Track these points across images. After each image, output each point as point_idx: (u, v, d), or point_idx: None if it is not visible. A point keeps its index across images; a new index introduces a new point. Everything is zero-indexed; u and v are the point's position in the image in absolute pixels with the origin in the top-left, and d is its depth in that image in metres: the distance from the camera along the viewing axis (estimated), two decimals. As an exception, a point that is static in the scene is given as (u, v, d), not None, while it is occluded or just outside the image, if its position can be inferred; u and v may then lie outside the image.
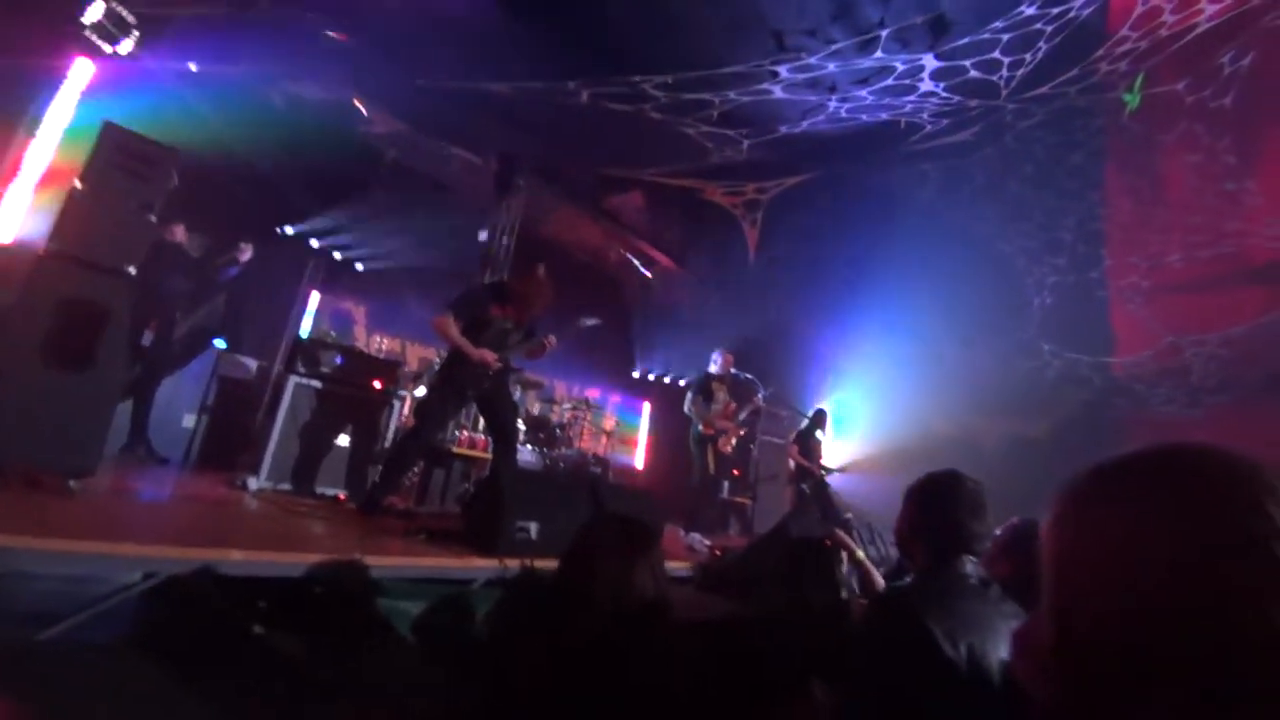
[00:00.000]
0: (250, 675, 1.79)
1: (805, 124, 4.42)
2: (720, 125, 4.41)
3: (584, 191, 6.41)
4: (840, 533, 2.76)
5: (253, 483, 3.93)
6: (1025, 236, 6.05)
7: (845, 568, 2.58)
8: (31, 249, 2.88)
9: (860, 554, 2.64)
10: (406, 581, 2.61)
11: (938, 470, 1.68)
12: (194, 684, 1.57)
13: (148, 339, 4.34)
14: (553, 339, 3.74)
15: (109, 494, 2.89)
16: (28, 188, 3.50)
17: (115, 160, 2.60)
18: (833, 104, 4.18)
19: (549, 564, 2.97)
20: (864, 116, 4.38)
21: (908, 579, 1.81)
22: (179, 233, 4.64)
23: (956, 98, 4.27)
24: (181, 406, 4.99)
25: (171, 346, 4.56)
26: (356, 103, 5.74)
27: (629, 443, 9.13)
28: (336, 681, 1.94)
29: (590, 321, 4.01)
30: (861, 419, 7.95)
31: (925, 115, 4.52)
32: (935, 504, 1.61)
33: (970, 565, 1.53)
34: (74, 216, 2.55)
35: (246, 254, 4.84)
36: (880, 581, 2.55)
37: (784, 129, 4.49)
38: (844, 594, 2.48)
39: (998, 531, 2.11)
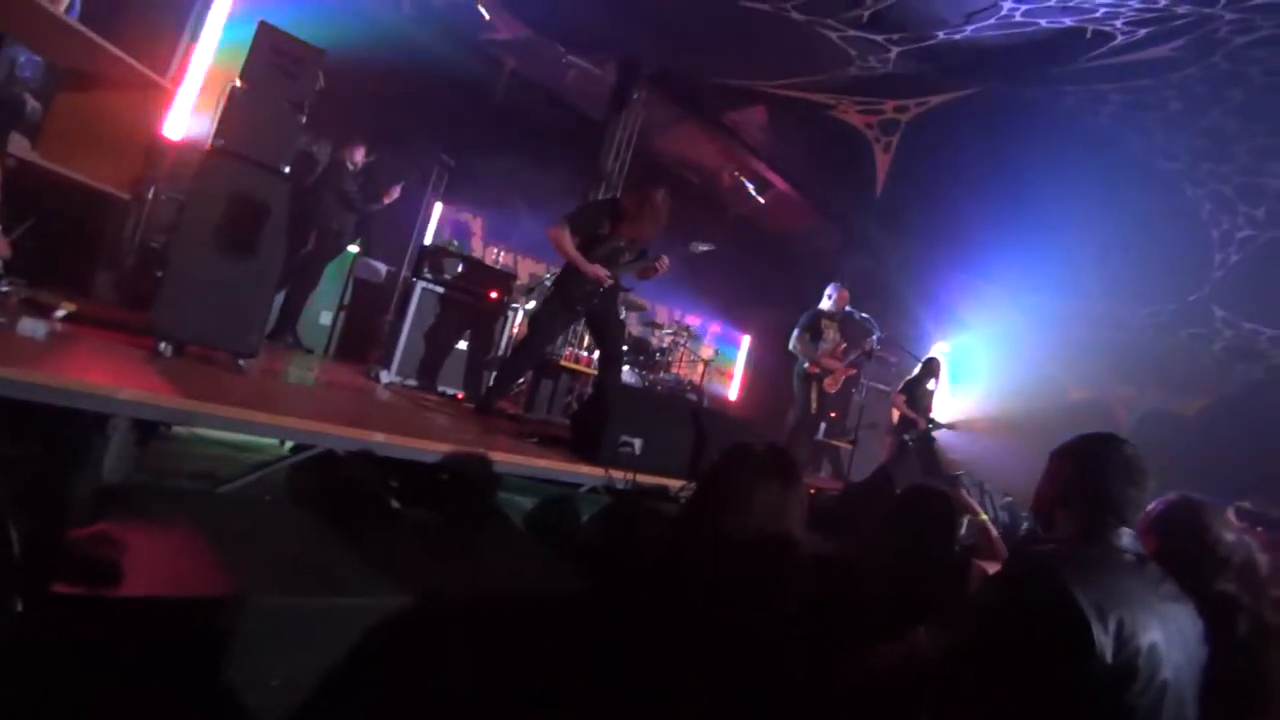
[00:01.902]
0: (392, 539, 1.99)
1: (970, 29, 3.85)
2: (870, 28, 3.94)
3: (704, 105, 6.08)
4: (963, 491, 2.62)
5: (384, 376, 4.27)
6: (1220, 180, 5.11)
7: (963, 529, 2.45)
8: (199, 146, 3.11)
9: (984, 516, 2.50)
10: (521, 479, 2.78)
11: (1093, 432, 1.51)
12: (347, 540, 1.76)
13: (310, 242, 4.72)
14: (665, 261, 3.67)
15: (269, 374, 3.23)
16: (193, 92, 3.77)
17: (270, 60, 2.72)
18: (1008, 3, 3.59)
19: (651, 479, 3.08)
20: (1043, 21, 3.74)
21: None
22: (358, 154, 4.94)
23: (1163, 0, 3.55)
24: (319, 304, 5.45)
25: (327, 253, 4.94)
26: (480, 6, 5.67)
27: (725, 373, 9.07)
28: (461, 554, 2.11)
29: (703, 247, 3.90)
30: (981, 374, 7.37)
31: (1119, 23, 3.80)
32: (1093, 467, 1.44)
33: (1128, 538, 1.38)
34: (235, 115, 2.72)
35: (394, 195, 5.13)
36: (1003, 547, 2.41)
37: (943, 34, 3.93)
38: (959, 553, 2.37)
39: (1151, 505, 1.91)
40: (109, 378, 1.92)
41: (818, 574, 2.09)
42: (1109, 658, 1.15)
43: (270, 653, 1.36)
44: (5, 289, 2.85)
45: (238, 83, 2.69)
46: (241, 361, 2.78)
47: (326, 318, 5.46)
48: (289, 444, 2.39)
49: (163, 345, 2.58)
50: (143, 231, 3.77)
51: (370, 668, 1.46)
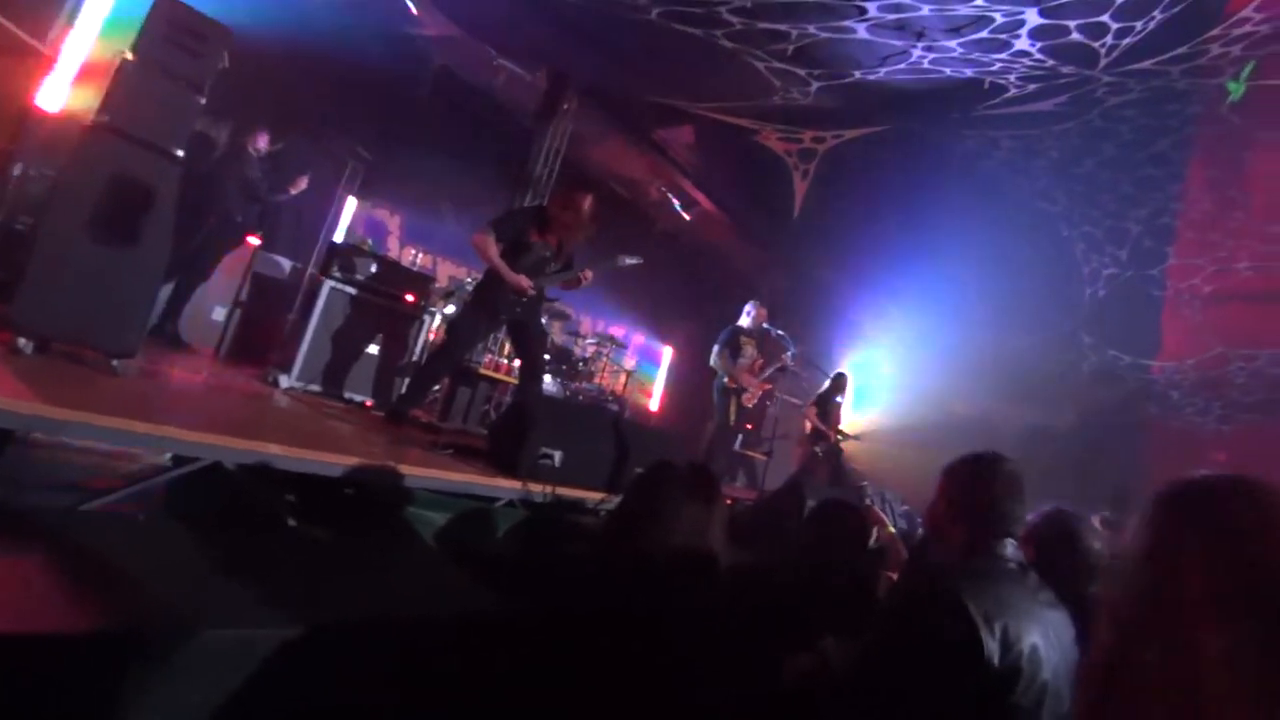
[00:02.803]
0: (283, 561, 1.84)
1: (883, 71, 4.13)
2: (793, 62, 4.13)
3: (633, 119, 6.14)
4: (870, 502, 2.76)
5: (284, 380, 3.98)
6: (1091, 223, 5.75)
7: (873, 540, 2.58)
8: (79, 120, 2.80)
9: (891, 529, 2.64)
10: (432, 493, 2.66)
11: (979, 451, 1.64)
12: (226, 562, 1.61)
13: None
14: (589, 274, 3.65)
15: (148, 376, 2.92)
16: (75, 61, 3.38)
17: (167, 33, 2.49)
18: (917, 52, 3.88)
19: (571, 492, 3.04)
20: (947, 70, 4.08)
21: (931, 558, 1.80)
22: (262, 141, 4.59)
23: (1050, 61, 3.95)
24: (211, 299, 5.02)
25: (223, 244, 4.57)
26: (407, 1, 5.47)
27: (645, 391, 9.15)
28: (363, 578, 1.99)
29: (630, 260, 3.91)
30: (883, 389, 7.86)
31: (1013, 77, 4.20)
32: (979, 484, 1.57)
33: (1011, 548, 1.51)
34: (123, 89, 2.46)
35: (301, 186, 4.86)
36: (904, 557, 2.55)
37: (859, 74, 4.19)
38: (867, 562, 2.50)
39: (1030, 516, 2.09)
40: (-50, 378, 1.68)
41: (735, 585, 2.14)
42: (996, 661, 1.24)
43: (137, 695, 1.22)
44: None
45: (128, 55, 2.44)
46: (116, 362, 2.50)
47: (220, 314, 5.04)
48: (169, 454, 2.17)
49: (22, 341, 2.28)
50: (7, 210, 3.33)
51: (259, 707, 1.34)
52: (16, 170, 3.27)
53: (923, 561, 2.37)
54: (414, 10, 5.59)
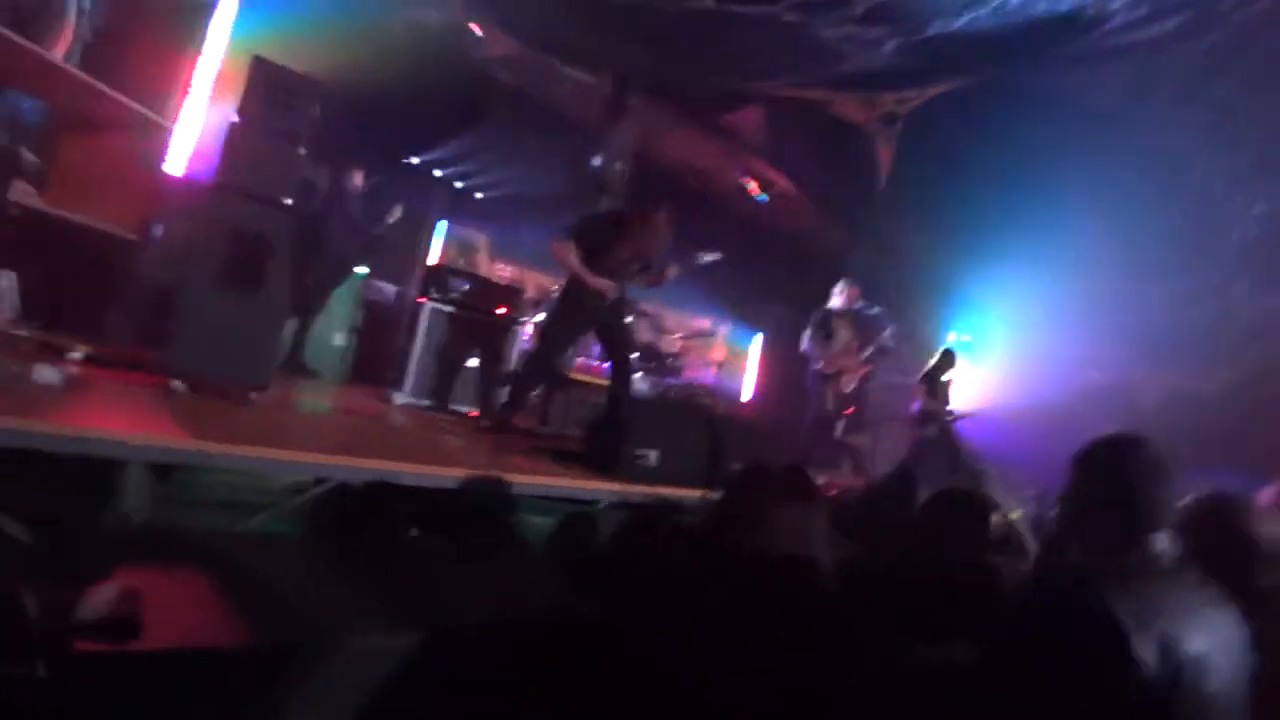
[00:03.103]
0: (409, 571, 1.97)
1: (964, 18, 3.80)
2: (864, 25, 3.90)
3: (699, 109, 6.06)
4: (990, 490, 2.56)
5: (398, 397, 4.28)
6: (1231, 154, 4.99)
7: (993, 529, 2.39)
8: (201, 183, 3.14)
9: (1014, 515, 2.44)
10: (538, 499, 2.76)
11: (1115, 433, 1.44)
12: (367, 573, 1.75)
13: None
14: (673, 270, 3.65)
15: (282, 405, 3.23)
16: (194, 128, 3.79)
17: (264, 94, 2.74)
18: (1002, -9, 3.54)
19: (669, 490, 3.05)
20: (1039, 6, 3.69)
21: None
22: (358, 178, 4.98)
23: (1163, -25, 3.48)
24: (333, 327, 5.48)
25: (334, 278, 4.99)
26: (472, 25, 5.69)
27: (738, 375, 9.02)
28: (478, 583, 2.09)
29: (709, 257, 3.87)
30: (1000, 362, 7.25)
31: (1117, 2, 3.74)
32: (1117, 472, 1.38)
33: (1164, 542, 1.31)
34: (234, 149, 2.73)
35: (398, 213, 5.15)
36: (1030, 545, 2.35)
37: (938, 25, 3.88)
38: (988, 554, 2.31)
39: (1183, 501, 1.85)
40: (121, 422, 1.93)
41: (843, 583, 2.06)
42: (1151, 673, 1.09)
43: (298, 697, 1.34)
44: (22, 334, 2.89)
45: (234, 118, 2.71)
46: (253, 395, 2.78)
47: (340, 339, 5.49)
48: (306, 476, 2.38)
49: (175, 383, 2.59)
50: (153, 270, 3.81)
51: (396, 706, 1.44)
52: (158, 232, 3.73)
53: (1057, 558, 2.17)
54: (480, 34, 5.82)
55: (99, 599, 1.29)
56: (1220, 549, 1.57)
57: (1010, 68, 4.68)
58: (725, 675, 1.31)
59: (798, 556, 1.40)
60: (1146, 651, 1.10)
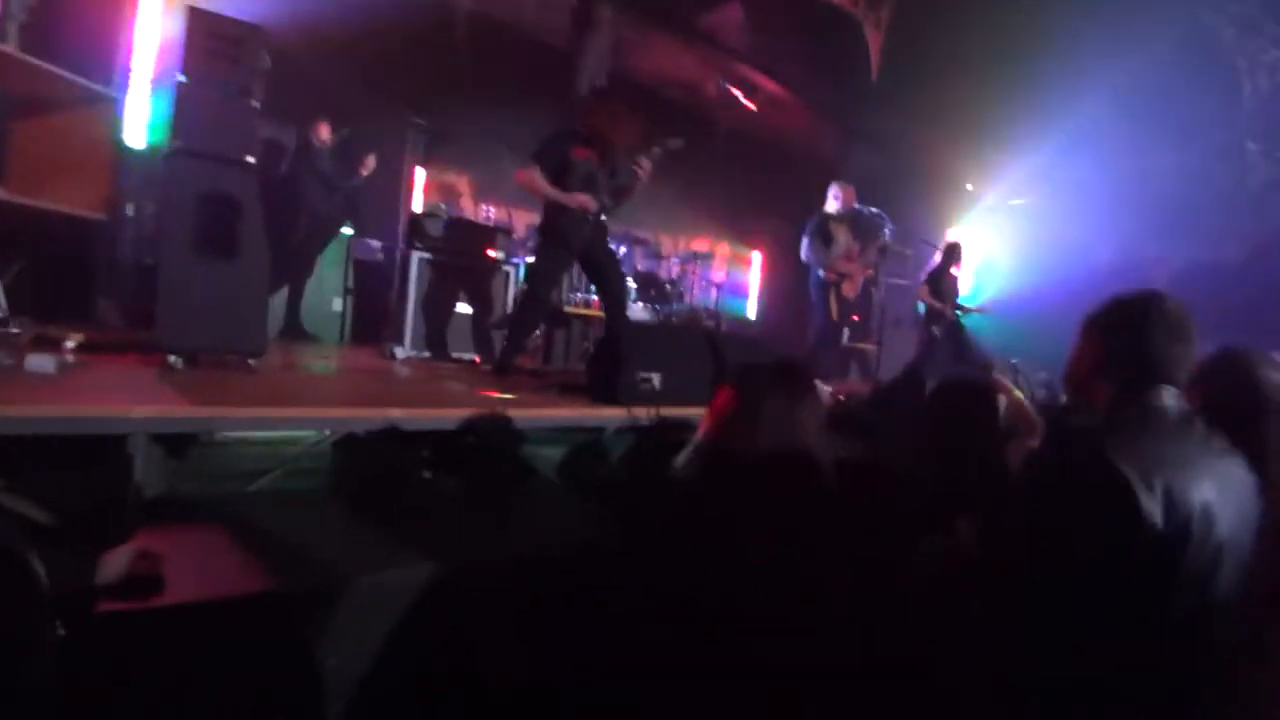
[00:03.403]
0: (420, 513, 2.03)
1: None
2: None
3: (674, 12, 5.69)
4: (996, 374, 2.54)
5: (399, 352, 4.29)
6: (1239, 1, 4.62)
7: (1001, 412, 2.38)
8: (159, 150, 3.03)
9: (1019, 394, 2.42)
10: (545, 430, 2.79)
11: (1128, 292, 1.39)
12: (381, 518, 1.80)
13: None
14: (646, 164, 3.51)
15: (283, 368, 3.26)
16: (144, 95, 3.63)
17: (205, 45, 2.59)
18: None
19: (675, 411, 3.07)
20: None
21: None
22: (324, 131, 4.79)
23: None
24: (329, 292, 5.44)
25: (319, 238, 4.90)
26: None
27: (741, 293, 8.93)
28: (493, 517, 2.15)
29: (674, 143, 3.69)
30: (1006, 251, 7.08)
31: None
32: (1129, 330, 1.32)
33: (1171, 397, 1.27)
34: (184, 111, 2.62)
35: (371, 165, 4.99)
36: (1040, 423, 2.34)
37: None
38: (998, 438, 2.31)
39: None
40: (122, 399, 1.94)
41: (848, 478, 2.08)
42: (1159, 523, 1.09)
43: (322, 636, 1.40)
44: (14, 331, 2.89)
45: (180, 77, 2.58)
46: (252, 361, 2.79)
47: (338, 304, 5.47)
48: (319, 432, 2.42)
49: (172, 359, 2.60)
50: (133, 248, 3.76)
51: (417, 640, 1.51)
52: (130, 210, 3.65)
53: (1062, 427, 2.16)
54: (433, -43, 5.44)
55: (117, 561, 1.33)
56: (1228, 400, 1.55)
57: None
58: (732, 583, 1.34)
59: (790, 449, 1.40)
60: (1153, 502, 1.09)
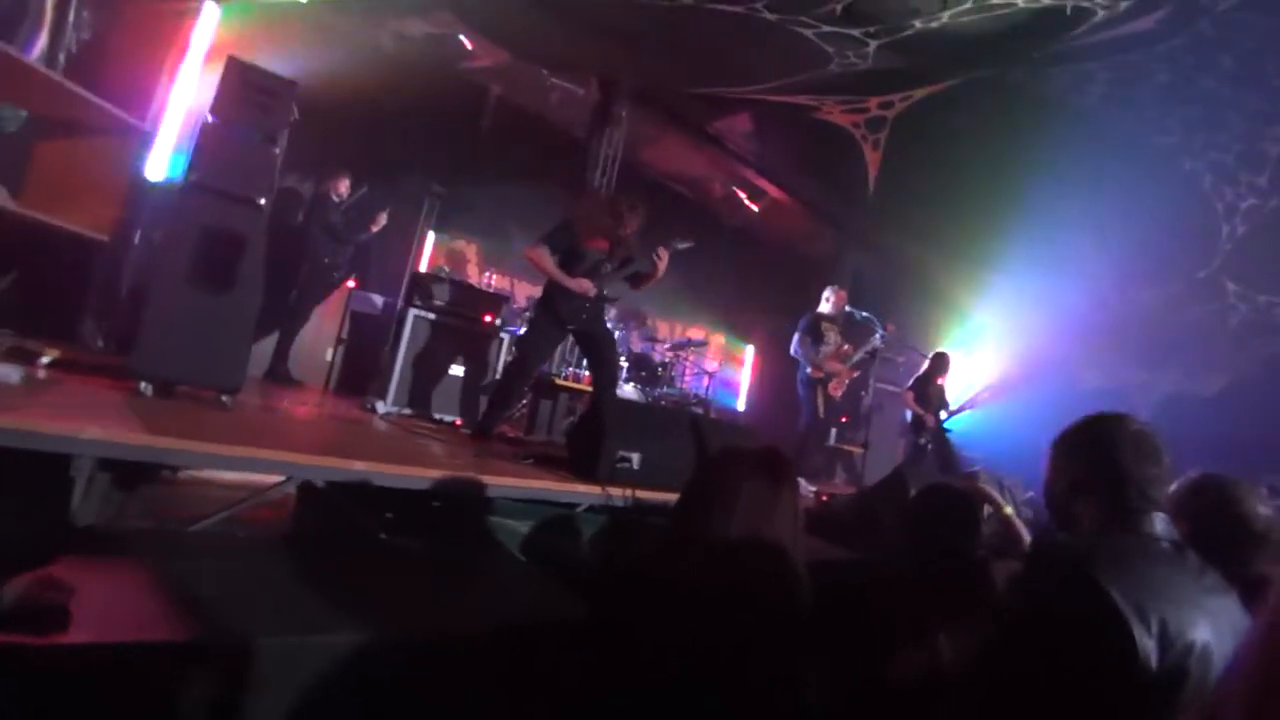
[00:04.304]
0: (375, 573, 1.90)
1: (945, 16, 3.79)
2: (844, 22, 3.90)
3: (687, 115, 6.07)
4: (983, 485, 2.49)
5: (380, 406, 4.21)
6: (1218, 149, 4.98)
7: (985, 523, 2.31)
8: (175, 182, 3.11)
9: (1008, 509, 2.36)
10: (515, 502, 2.68)
11: (1095, 413, 1.36)
12: (325, 576, 1.68)
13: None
14: (664, 254, 3.60)
15: (257, 409, 3.18)
16: (172, 131, 3.78)
17: (240, 93, 2.71)
18: (983, -16, 3.54)
19: (651, 494, 2.98)
20: (1020, 1, 3.69)
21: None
22: (343, 186, 4.97)
23: (1142, -28, 3.49)
24: (323, 341, 5.44)
25: (319, 288, 4.96)
26: (460, 36, 5.73)
27: (731, 384, 8.97)
28: (450, 584, 2.02)
29: (684, 244, 3.81)
30: (992, 367, 7.21)
31: (1099, -1, 3.76)
32: (1103, 448, 1.29)
33: (1161, 524, 1.22)
34: (207, 149, 2.70)
35: (382, 222, 5.13)
36: (1027, 540, 2.27)
37: (919, 24, 3.88)
38: (982, 552, 2.23)
39: (1173, 487, 1.79)
40: (78, 420, 1.87)
41: (828, 581, 1.99)
42: (1154, 663, 1.01)
43: (234, 700, 1.27)
44: (-7, 340, 2.84)
45: (209, 118, 2.68)
46: (225, 398, 2.72)
47: (328, 353, 5.45)
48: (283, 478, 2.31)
49: (144, 386, 2.54)
50: (132, 275, 3.78)
51: (345, 713, 1.37)
52: (136, 238, 3.70)
53: (1051, 546, 2.09)
54: (468, 45, 5.85)
55: (24, 589, 1.22)
56: (1216, 531, 1.50)
57: (995, 68, 4.68)
58: (702, 666, 1.25)
59: (762, 537, 1.34)
60: (1148, 639, 1.02)
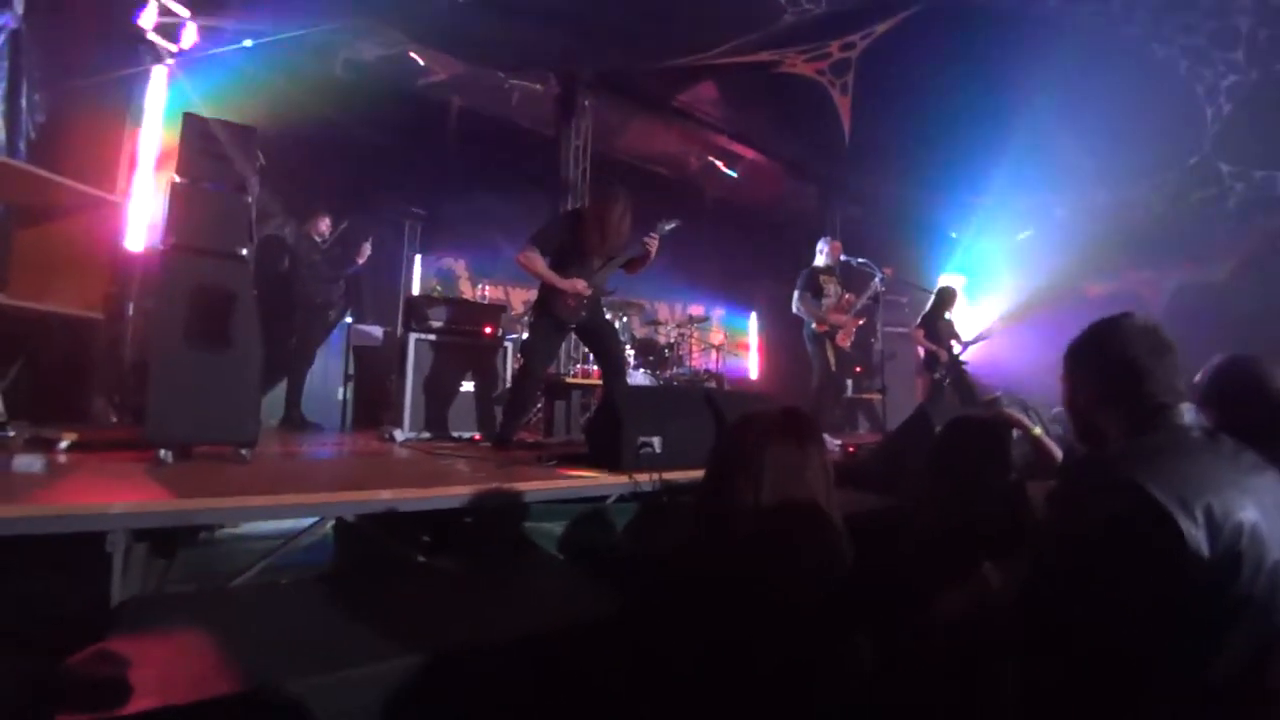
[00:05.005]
0: (416, 596, 1.92)
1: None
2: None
3: (650, 94, 6.01)
4: (1008, 410, 2.47)
5: (398, 434, 4.23)
6: (1187, 32, 4.86)
7: (1015, 447, 2.29)
8: (156, 250, 3.12)
9: (1036, 429, 2.34)
10: (546, 504, 2.69)
11: (1098, 319, 1.34)
12: (367, 607, 1.69)
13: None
14: (654, 238, 3.59)
15: (277, 457, 3.20)
16: (145, 199, 3.80)
17: (202, 148, 2.70)
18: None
19: (678, 475, 2.98)
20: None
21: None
22: (323, 225, 4.96)
23: None
24: (332, 382, 5.47)
25: (317, 329, 4.97)
26: (411, 54, 5.68)
27: (741, 345, 8.96)
28: (492, 597, 2.03)
29: (670, 225, 3.79)
30: (998, 293, 7.14)
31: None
32: (1114, 350, 1.28)
33: (1190, 414, 1.20)
34: (179, 209, 2.70)
35: (366, 252, 5.12)
36: (1060, 457, 2.26)
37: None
38: (1015, 476, 2.21)
39: (1198, 376, 1.77)
40: (104, 495, 1.88)
41: (864, 530, 1.98)
42: (1206, 551, 0.99)
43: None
44: (9, 434, 2.87)
45: (175, 178, 2.67)
46: (244, 451, 2.74)
47: (339, 391, 5.48)
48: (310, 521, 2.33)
49: (163, 453, 2.56)
50: (131, 348, 3.81)
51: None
52: (130, 310, 3.72)
53: (1081, 459, 2.07)
54: (421, 62, 5.81)
55: (82, 667, 1.24)
56: (1246, 413, 1.48)
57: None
58: (743, 651, 1.25)
59: (794, 497, 1.33)
60: (1196, 529, 1.00)
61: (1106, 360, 1.29)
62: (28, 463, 2.20)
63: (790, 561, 1.35)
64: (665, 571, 1.57)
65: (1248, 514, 1.02)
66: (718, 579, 1.34)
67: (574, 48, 4.97)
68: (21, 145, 3.58)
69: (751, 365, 9.13)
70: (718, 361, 7.17)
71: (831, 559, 1.42)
